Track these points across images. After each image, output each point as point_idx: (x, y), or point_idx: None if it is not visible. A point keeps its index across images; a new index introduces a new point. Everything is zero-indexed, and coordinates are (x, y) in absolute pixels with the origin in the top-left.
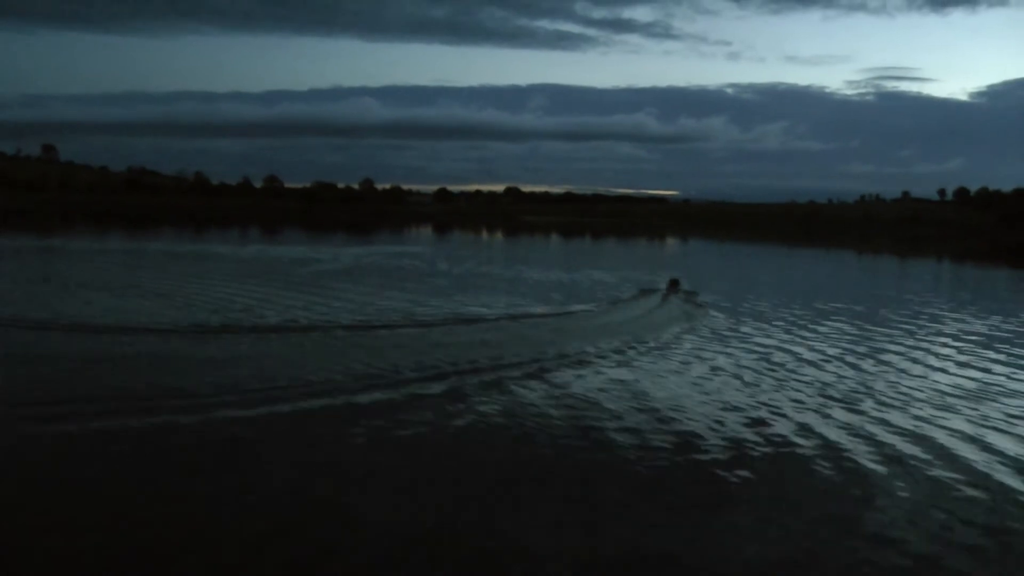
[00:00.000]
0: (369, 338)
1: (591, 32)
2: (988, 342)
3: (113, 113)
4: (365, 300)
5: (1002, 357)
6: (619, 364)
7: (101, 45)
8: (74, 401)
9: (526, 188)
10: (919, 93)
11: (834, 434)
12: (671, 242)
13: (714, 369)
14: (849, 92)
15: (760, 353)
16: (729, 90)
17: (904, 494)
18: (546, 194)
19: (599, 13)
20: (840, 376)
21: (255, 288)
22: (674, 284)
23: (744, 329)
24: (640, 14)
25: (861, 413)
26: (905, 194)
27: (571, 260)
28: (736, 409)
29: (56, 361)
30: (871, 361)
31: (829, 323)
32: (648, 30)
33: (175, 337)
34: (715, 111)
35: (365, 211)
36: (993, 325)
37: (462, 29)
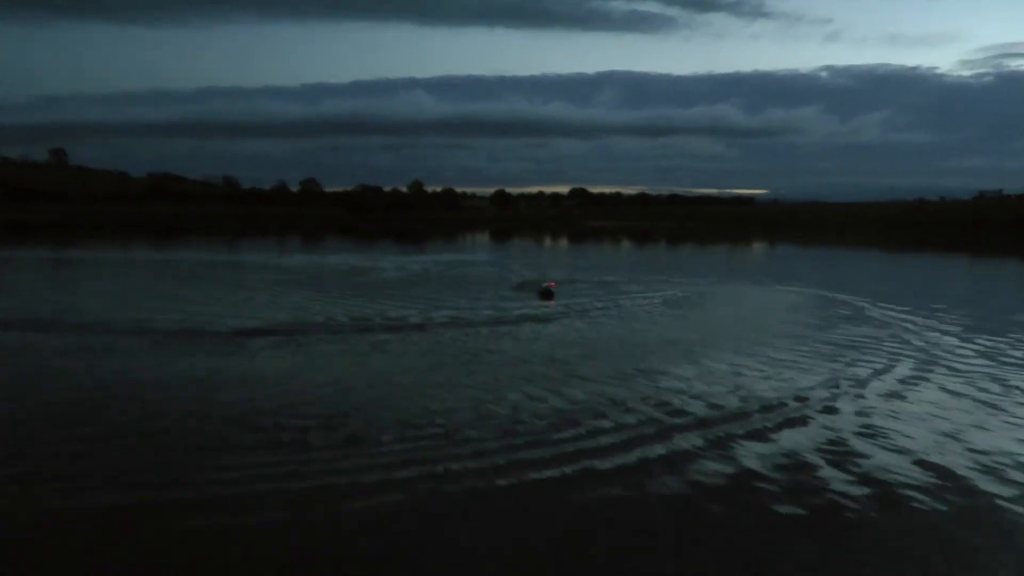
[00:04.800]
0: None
1: (672, 12)
2: None
3: (133, 113)
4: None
5: None
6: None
7: (120, 38)
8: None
9: (594, 189)
10: None
11: None
12: (758, 247)
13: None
14: (965, 73)
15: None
16: (824, 74)
17: None
18: (617, 195)
19: None
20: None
21: (333, 298)
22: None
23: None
24: None
25: None
26: None
27: (639, 269)
28: None
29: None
30: None
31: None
32: (736, 9)
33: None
34: (808, 100)
35: (415, 217)
36: None
37: (527, 12)
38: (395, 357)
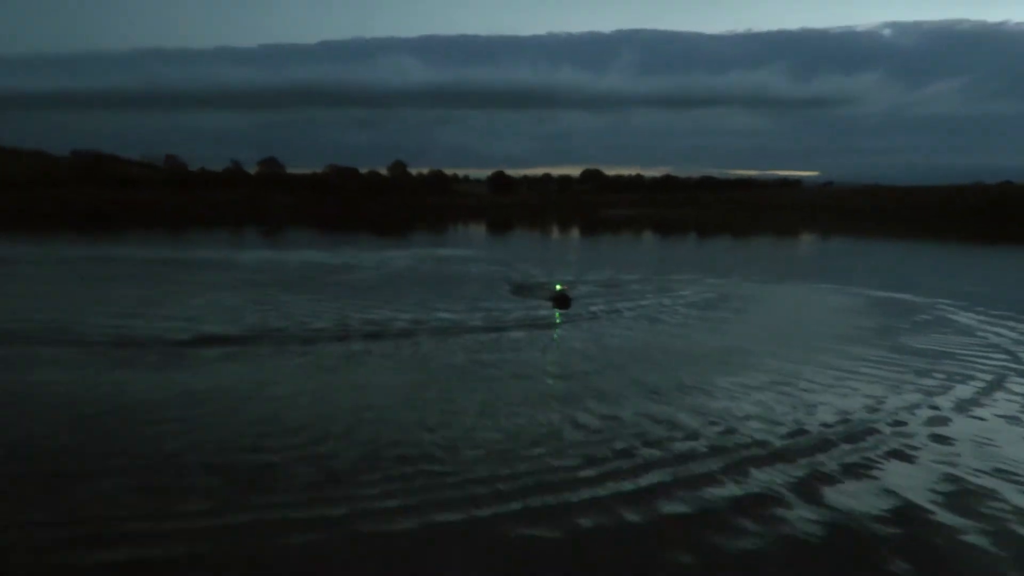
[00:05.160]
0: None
1: None
2: None
3: (54, 80)
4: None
5: None
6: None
7: None
8: None
9: (611, 171)
10: None
11: None
12: (808, 240)
13: None
14: None
15: None
16: (887, 32)
17: None
18: (638, 179)
19: None
20: None
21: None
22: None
23: None
24: None
25: None
26: None
27: (665, 266)
28: None
29: None
30: None
31: None
32: None
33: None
34: (868, 63)
35: (397, 204)
36: None
37: None
38: (376, 371)
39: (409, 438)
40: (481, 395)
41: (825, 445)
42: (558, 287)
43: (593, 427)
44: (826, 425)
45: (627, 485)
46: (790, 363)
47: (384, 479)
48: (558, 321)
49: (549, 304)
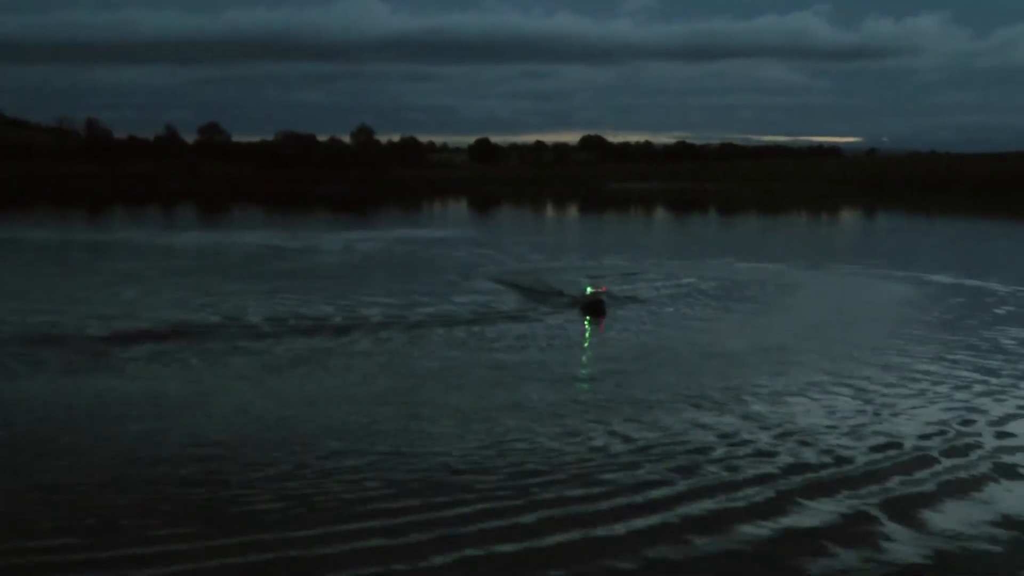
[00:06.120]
0: None
1: None
2: None
3: None
4: None
5: None
6: None
7: None
8: None
9: (616, 138)
10: None
11: None
12: (849, 216)
13: None
14: None
15: None
16: None
17: None
18: (647, 146)
19: None
20: None
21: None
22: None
23: None
24: None
25: None
26: None
27: (683, 249)
28: None
29: None
30: None
31: None
32: None
33: None
34: (928, 4)
35: (362, 178)
36: None
37: None
38: (344, 373)
39: (385, 458)
40: (479, 404)
41: (919, 460)
42: (588, 289)
43: (620, 439)
44: (899, 435)
45: (659, 516)
46: (848, 362)
47: (356, 512)
48: (587, 332)
49: (581, 310)
